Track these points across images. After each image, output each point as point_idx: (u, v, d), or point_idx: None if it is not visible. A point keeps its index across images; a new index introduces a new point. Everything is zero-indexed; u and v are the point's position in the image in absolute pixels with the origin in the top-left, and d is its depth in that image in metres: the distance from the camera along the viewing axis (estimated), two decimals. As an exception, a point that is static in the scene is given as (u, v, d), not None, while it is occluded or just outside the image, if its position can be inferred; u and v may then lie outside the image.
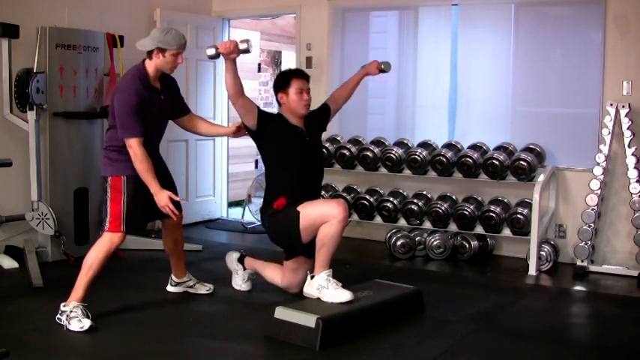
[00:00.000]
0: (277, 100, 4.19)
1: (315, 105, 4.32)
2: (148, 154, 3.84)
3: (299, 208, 3.93)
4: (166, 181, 4.12)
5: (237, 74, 3.86)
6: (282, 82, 4.13)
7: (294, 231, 3.93)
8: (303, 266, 4.16)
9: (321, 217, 3.86)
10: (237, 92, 3.90)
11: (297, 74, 4.15)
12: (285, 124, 4.11)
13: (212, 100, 6.87)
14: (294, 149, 4.10)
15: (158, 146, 4.11)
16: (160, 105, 3.94)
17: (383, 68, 4.47)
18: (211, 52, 3.83)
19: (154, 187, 3.79)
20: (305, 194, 4.05)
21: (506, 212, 5.37)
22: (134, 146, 3.74)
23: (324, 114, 4.38)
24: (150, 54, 3.87)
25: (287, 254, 4.20)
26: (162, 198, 3.79)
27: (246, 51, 3.79)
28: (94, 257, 3.81)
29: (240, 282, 4.50)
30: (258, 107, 4.06)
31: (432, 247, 5.52)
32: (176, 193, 4.22)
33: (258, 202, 6.77)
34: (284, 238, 4.10)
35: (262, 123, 4.01)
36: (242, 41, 3.78)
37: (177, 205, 4.21)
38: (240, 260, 4.52)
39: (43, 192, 5.04)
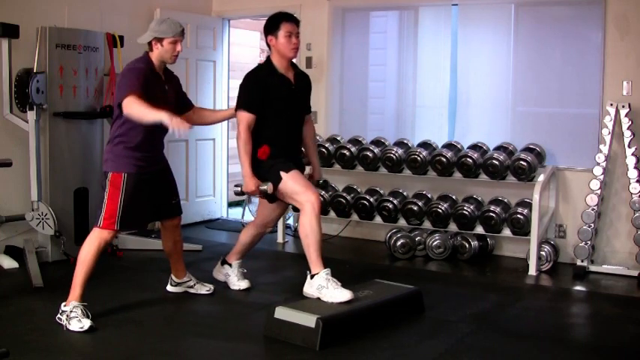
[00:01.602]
0: (267, 42, 4.24)
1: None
2: (151, 151, 3.88)
3: (282, 174, 4.04)
4: (168, 182, 4.12)
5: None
6: (272, 25, 4.18)
7: (274, 186, 4.07)
8: (280, 205, 4.33)
9: (298, 193, 4.00)
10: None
11: (287, 18, 4.19)
12: (273, 74, 4.16)
13: (212, 100, 6.87)
14: (279, 98, 4.15)
15: (162, 144, 4.09)
16: (163, 94, 3.94)
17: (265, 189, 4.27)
18: (237, 190, 4.19)
19: (154, 115, 3.57)
20: (288, 143, 4.18)
21: (506, 212, 5.37)
22: (130, 99, 3.61)
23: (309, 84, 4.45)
24: (150, 46, 3.91)
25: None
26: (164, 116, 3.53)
27: (266, 192, 4.08)
28: (85, 253, 3.81)
29: (235, 281, 4.49)
30: (255, 103, 4.09)
31: (432, 247, 5.52)
32: (177, 195, 4.23)
33: (257, 202, 6.78)
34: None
35: (260, 100, 4.10)
36: (262, 184, 4.08)
37: (176, 206, 4.22)
38: (223, 262, 4.54)
39: (43, 192, 5.04)
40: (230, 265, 4.51)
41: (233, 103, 4.40)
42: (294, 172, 4.07)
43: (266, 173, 4.10)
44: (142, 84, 3.72)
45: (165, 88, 3.98)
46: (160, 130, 3.96)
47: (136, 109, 3.63)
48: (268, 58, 4.24)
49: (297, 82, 4.26)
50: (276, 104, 4.14)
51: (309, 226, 3.94)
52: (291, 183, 4.03)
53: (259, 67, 4.31)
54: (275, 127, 4.15)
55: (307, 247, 3.97)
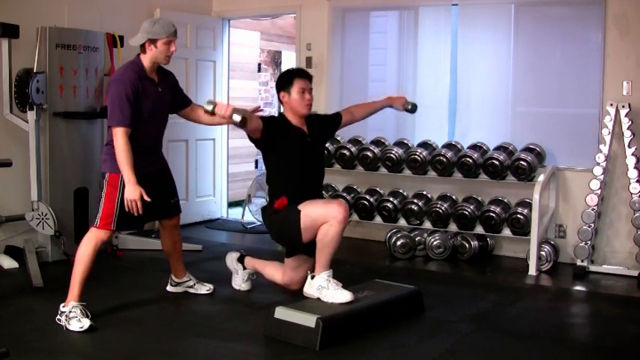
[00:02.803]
0: (279, 99, 4.19)
1: (316, 106, 4.32)
2: (145, 152, 3.85)
3: (300, 207, 3.93)
4: (166, 182, 4.12)
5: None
6: (285, 81, 4.13)
7: (295, 230, 3.93)
8: (303, 264, 4.16)
9: (322, 217, 3.86)
10: (241, 127, 3.95)
11: (300, 74, 4.15)
12: (287, 126, 4.11)
13: (212, 100, 6.87)
14: (295, 150, 4.10)
15: (159, 145, 4.10)
16: (157, 97, 3.93)
17: (410, 108, 4.47)
18: (209, 107, 3.90)
19: (128, 176, 3.68)
20: (306, 195, 4.05)
21: (506, 212, 5.37)
22: (118, 134, 3.71)
23: (333, 121, 4.40)
24: (143, 48, 3.88)
25: (288, 252, 4.22)
26: (134, 191, 3.67)
27: (237, 124, 3.86)
28: (82, 253, 3.81)
29: (239, 282, 4.50)
30: (262, 119, 4.06)
31: (432, 247, 5.52)
32: (176, 194, 4.23)
33: (258, 202, 6.78)
34: (285, 236, 4.11)
35: (266, 132, 4.02)
36: (237, 112, 3.84)
37: (176, 205, 4.22)
38: (240, 260, 4.53)
39: (43, 192, 5.04)
40: (245, 267, 4.51)
41: (233, 104, 4.38)
42: (306, 202, 3.98)
43: (284, 220, 4.01)
44: (128, 109, 3.72)
45: (158, 91, 3.95)
46: (153, 132, 3.97)
47: (118, 152, 3.69)
48: (282, 115, 4.18)
49: (312, 134, 4.19)
50: (290, 157, 4.10)
51: (330, 235, 3.84)
52: (310, 209, 3.92)
53: (274, 120, 4.24)
54: (290, 179, 4.10)
55: (321, 249, 3.90)
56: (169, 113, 4.14)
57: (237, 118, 3.81)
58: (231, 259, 4.56)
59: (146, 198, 3.69)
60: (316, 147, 4.27)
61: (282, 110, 4.23)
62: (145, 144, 3.87)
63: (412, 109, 4.48)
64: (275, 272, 4.33)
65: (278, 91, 4.17)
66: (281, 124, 4.12)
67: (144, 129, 3.84)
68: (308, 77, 4.15)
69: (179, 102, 4.19)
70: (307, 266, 4.12)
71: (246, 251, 4.65)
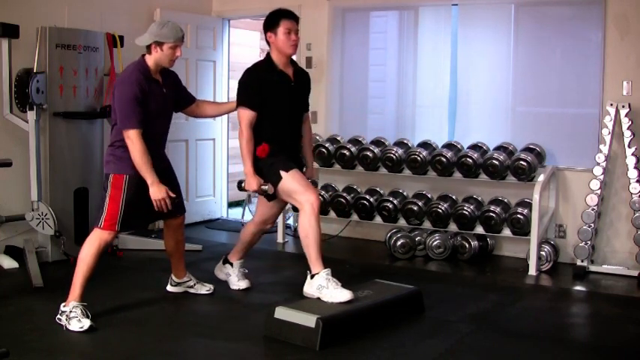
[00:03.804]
0: (266, 39, 4.23)
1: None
2: (152, 152, 3.84)
3: (282, 173, 4.03)
4: (170, 182, 4.12)
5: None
6: (272, 21, 4.17)
7: (273, 185, 4.07)
8: (278, 203, 4.28)
9: (297, 193, 3.99)
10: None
11: (287, 15, 4.19)
12: (273, 70, 4.16)
13: (212, 100, 6.86)
14: (279, 95, 4.15)
15: (163, 145, 4.11)
16: (162, 97, 3.95)
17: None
18: (239, 186, 4.20)
19: (150, 178, 3.77)
20: (286, 142, 4.17)
21: (506, 212, 5.37)
22: (133, 137, 3.74)
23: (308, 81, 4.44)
24: (148, 48, 3.89)
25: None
26: (160, 190, 3.78)
27: (266, 192, 4.10)
28: (86, 253, 3.81)
29: (235, 280, 4.49)
30: (256, 100, 4.09)
31: (432, 247, 5.52)
32: (180, 195, 4.23)
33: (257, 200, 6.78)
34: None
35: (261, 96, 4.09)
36: (264, 184, 4.09)
37: (180, 205, 4.22)
38: (225, 261, 4.54)
39: (43, 192, 5.04)
40: (231, 264, 4.51)
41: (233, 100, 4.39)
42: (293, 172, 4.07)
43: (266, 172, 4.10)
44: (139, 110, 3.76)
45: (163, 92, 3.97)
46: (158, 132, 3.97)
47: (135, 155, 3.75)
48: (268, 55, 4.23)
49: (296, 79, 4.25)
50: (276, 101, 4.14)
51: (308, 226, 3.94)
52: (291, 182, 4.03)
53: (258, 63, 4.31)
54: (274, 124, 4.15)
55: (307, 247, 3.97)
56: (175, 111, 4.16)
57: (265, 188, 4.08)
58: (218, 267, 4.60)
59: (171, 194, 3.82)
60: (299, 94, 4.31)
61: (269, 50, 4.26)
62: (150, 145, 3.86)
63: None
64: (248, 228, 4.46)
65: (265, 32, 4.21)
66: (266, 71, 4.16)
67: (149, 130, 3.84)
68: (295, 18, 4.20)
69: (183, 100, 4.22)
70: (281, 204, 4.30)
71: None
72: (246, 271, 4.54)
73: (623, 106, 5.05)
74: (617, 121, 5.08)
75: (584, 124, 5.36)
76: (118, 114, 3.80)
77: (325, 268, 3.90)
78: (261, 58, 4.36)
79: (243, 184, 4.16)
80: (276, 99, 4.14)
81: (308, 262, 3.98)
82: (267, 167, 4.10)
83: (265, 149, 4.09)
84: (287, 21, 4.15)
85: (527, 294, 4.74)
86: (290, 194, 4.05)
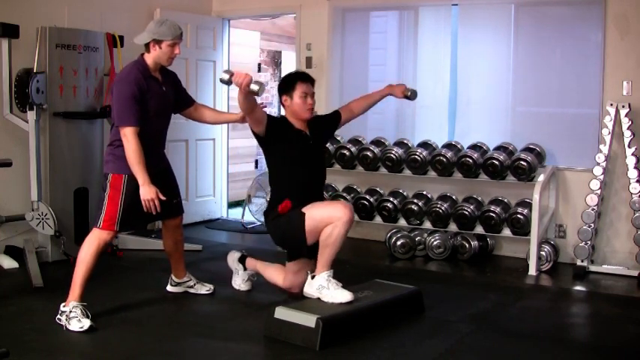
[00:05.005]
0: (281, 102, 4.16)
1: (319, 108, 4.30)
2: (151, 151, 3.84)
3: (304, 210, 3.90)
4: (169, 182, 4.12)
5: (248, 95, 3.76)
6: (287, 85, 4.08)
7: (299, 233, 3.90)
8: (305, 268, 4.12)
9: (327, 218, 3.83)
10: (248, 109, 3.86)
11: (303, 78, 4.10)
12: (289, 128, 4.08)
13: (212, 101, 6.85)
14: (297, 153, 4.07)
15: (162, 144, 4.11)
16: (161, 96, 3.94)
17: (409, 95, 4.42)
18: (225, 76, 3.72)
19: (142, 178, 3.72)
20: (308, 197, 4.02)
21: (506, 212, 5.37)
22: (128, 135, 3.71)
23: (333, 121, 4.36)
24: (147, 47, 3.89)
25: (290, 256, 4.18)
26: (150, 191, 3.71)
27: (255, 93, 3.70)
28: (85, 253, 3.81)
29: (239, 282, 4.50)
30: (267, 115, 4.03)
31: (432, 247, 5.52)
32: (178, 195, 4.23)
33: (258, 202, 6.79)
34: (289, 239, 4.07)
35: (270, 130, 3.99)
36: (256, 82, 3.70)
37: (179, 205, 4.22)
38: (242, 260, 4.52)
39: (43, 192, 5.04)
40: (245, 268, 4.51)
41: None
42: (310, 204, 3.95)
43: (288, 223, 3.98)
44: (136, 109, 3.73)
45: (162, 90, 3.96)
46: (157, 131, 3.97)
47: (129, 153, 3.70)
48: (283, 118, 4.15)
49: (313, 133, 4.16)
50: (294, 159, 4.06)
51: (333, 236, 3.82)
52: (314, 212, 3.89)
53: (278, 120, 4.19)
54: (294, 180, 4.06)
55: (323, 249, 3.87)
56: (173, 113, 4.15)
57: (254, 87, 3.64)
58: (233, 258, 4.56)
59: (161, 197, 3.73)
60: (318, 149, 4.25)
61: (283, 113, 4.21)
62: (149, 144, 3.85)
63: (412, 95, 4.44)
64: (276, 275, 4.30)
65: (280, 95, 4.14)
66: (283, 126, 4.09)
67: (148, 128, 3.83)
68: (311, 81, 4.10)
69: (182, 101, 4.21)
70: (308, 269, 4.09)
71: (246, 251, 4.65)
72: (255, 279, 4.53)
73: (623, 106, 5.05)
74: (617, 121, 5.08)
75: (584, 124, 5.36)
76: (115, 111, 3.79)
77: (329, 270, 3.89)
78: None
79: (229, 76, 3.68)
80: (294, 157, 4.06)
81: (317, 262, 3.92)
82: (287, 219, 3.97)
83: (287, 206, 3.97)
84: (303, 84, 4.04)
85: (527, 294, 4.74)
86: (320, 223, 3.86)
